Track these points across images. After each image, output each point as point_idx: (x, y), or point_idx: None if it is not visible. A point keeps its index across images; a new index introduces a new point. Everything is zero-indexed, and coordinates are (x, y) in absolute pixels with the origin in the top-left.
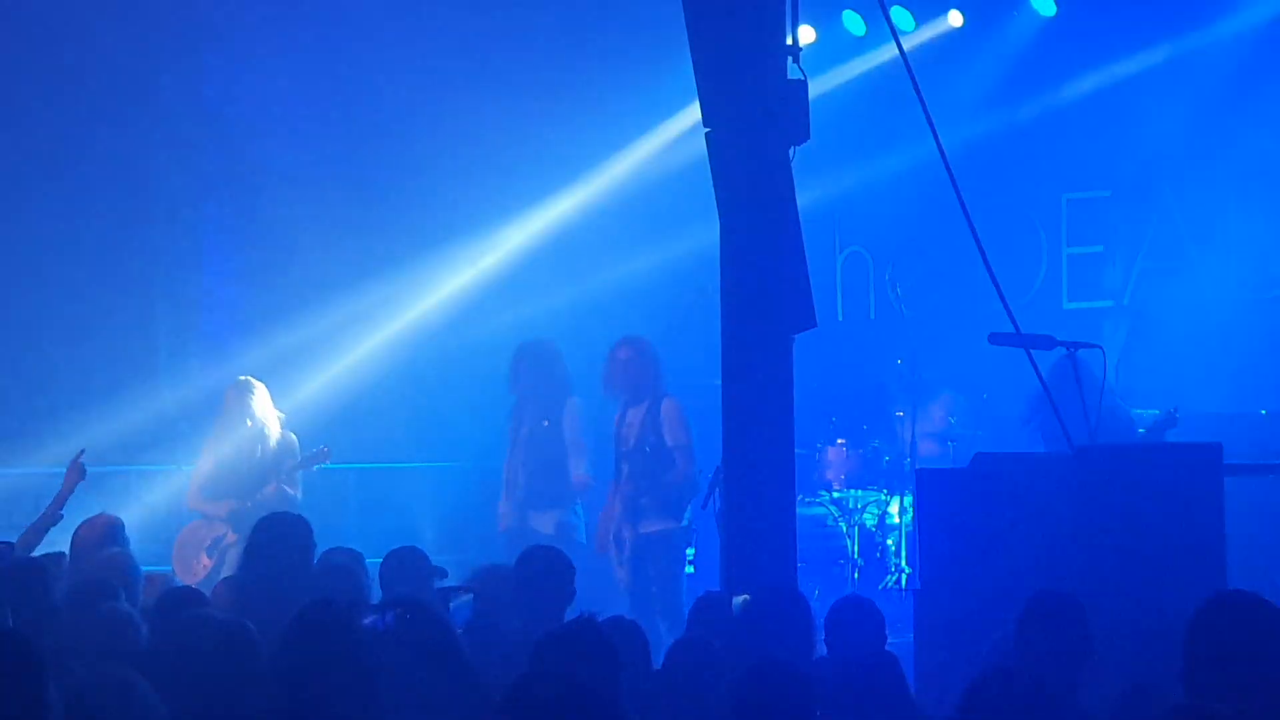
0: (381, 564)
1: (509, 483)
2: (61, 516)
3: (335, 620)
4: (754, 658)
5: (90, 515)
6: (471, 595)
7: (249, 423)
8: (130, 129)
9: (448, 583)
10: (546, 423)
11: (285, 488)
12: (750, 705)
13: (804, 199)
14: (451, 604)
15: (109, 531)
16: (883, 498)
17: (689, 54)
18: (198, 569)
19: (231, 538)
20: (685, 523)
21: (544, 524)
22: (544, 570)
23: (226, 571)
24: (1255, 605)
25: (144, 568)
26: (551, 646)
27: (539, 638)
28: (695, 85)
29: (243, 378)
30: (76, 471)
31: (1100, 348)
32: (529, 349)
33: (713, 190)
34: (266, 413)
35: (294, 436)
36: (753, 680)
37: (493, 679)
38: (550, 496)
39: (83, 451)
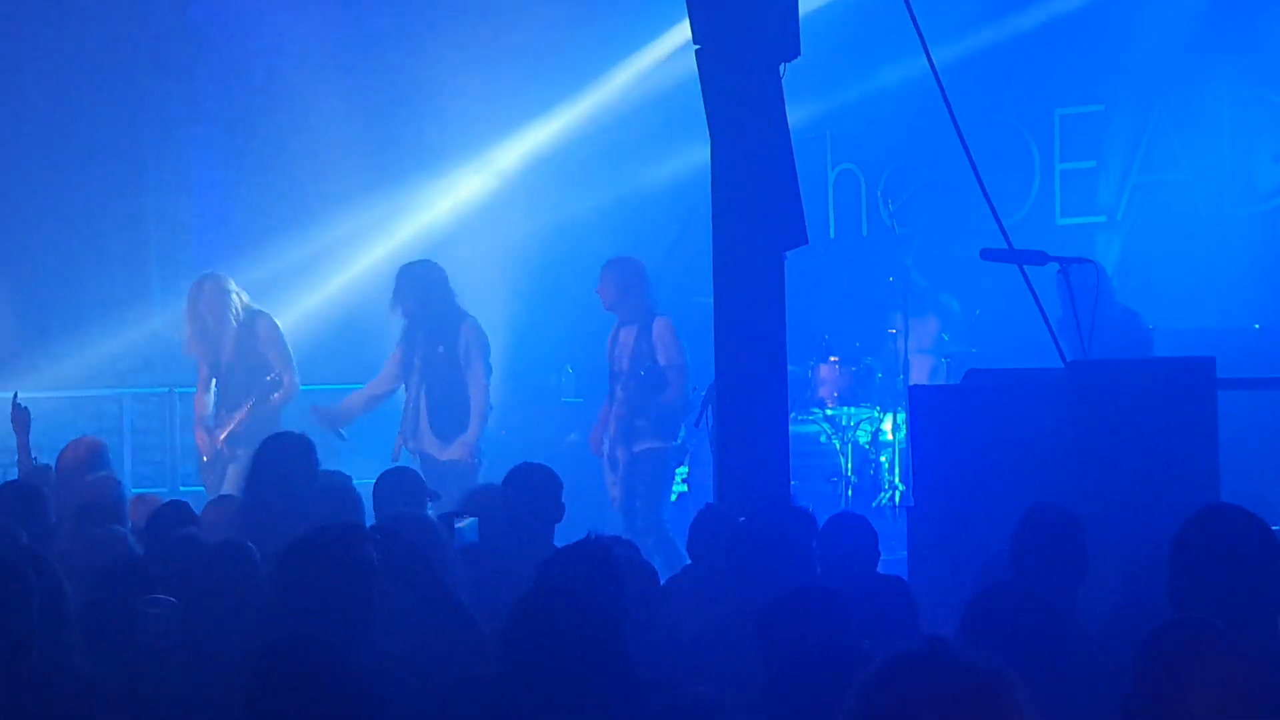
0: (375, 485)
1: (405, 414)
2: (35, 460)
3: (349, 542)
4: (769, 580)
5: (76, 438)
6: (475, 520)
7: (213, 318)
8: (119, 51)
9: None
10: (441, 349)
11: (282, 378)
12: (783, 631)
13: (795, 116)
14: (458, 525)
15: (92, 454)
16: (876, 415)
17: None
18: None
19: (226, 451)
20: (679, 441)
21: (452, 454)
22: (532, 487)
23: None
24: (1240, 517)
25: (135, 490)
26: (555, 565)
27: (544, 557)
28: (685, 1)
29: (204, 274)
30: (22, 415)
31: (1093, 263)
32: (408, 272)
33: (703, 108)
34: (233, 304)
35: (274, 320)
36: (786, 606)
37: (486, 598)
38: (454, 426)
39: (16, 394)
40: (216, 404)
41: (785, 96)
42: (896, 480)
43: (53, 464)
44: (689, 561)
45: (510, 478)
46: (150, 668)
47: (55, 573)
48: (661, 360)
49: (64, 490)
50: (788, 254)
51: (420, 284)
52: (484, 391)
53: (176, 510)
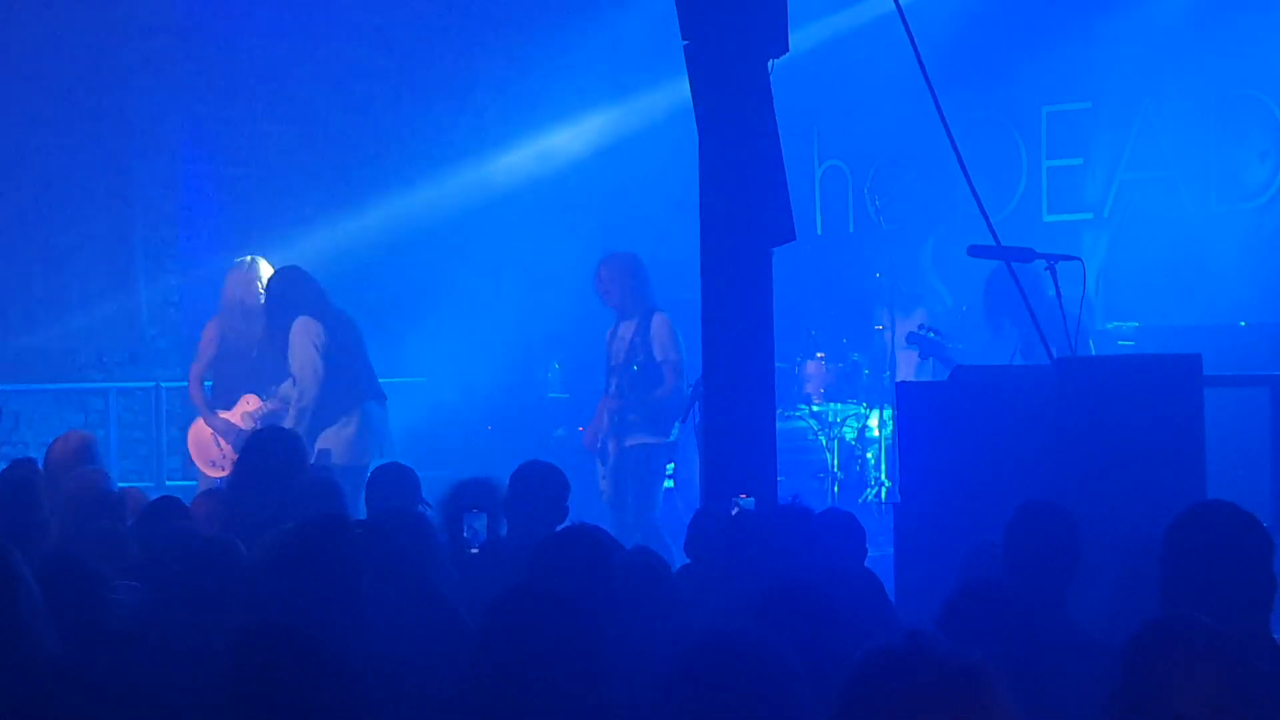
0: (369, 480)
1: None
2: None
3: (335, 535)
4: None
5: (63, 432)
6: (485, 516)
7: (248, 303)
8: (105, 44)
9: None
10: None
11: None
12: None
13: (782, 112)
14: (476, 526)
15: (82, 449)
16: (862, 411)
17: None
18: (220, 459)
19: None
20: (671, 438)
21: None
22: (537, 485)
23: None
24: (1231, 514)
25: (120, 484)
26: (548, 551)
27: (537, 543)
28: None
29: (247, 257)
30: None
31: (1080, 260)
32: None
33: (691, 104)
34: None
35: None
36: (771, 603)
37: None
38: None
39: None
40: (216, 392)
41: (773, 92)
42: (883, 476)
43: (40, 458)
44: (681, 559)
45: (516, 475)
46: (124, 654)
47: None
48: (658, 356)
49: (53, 484)
50: (775, 250)
51: (268, 296)
52: (296, 404)
53: (169, 506)
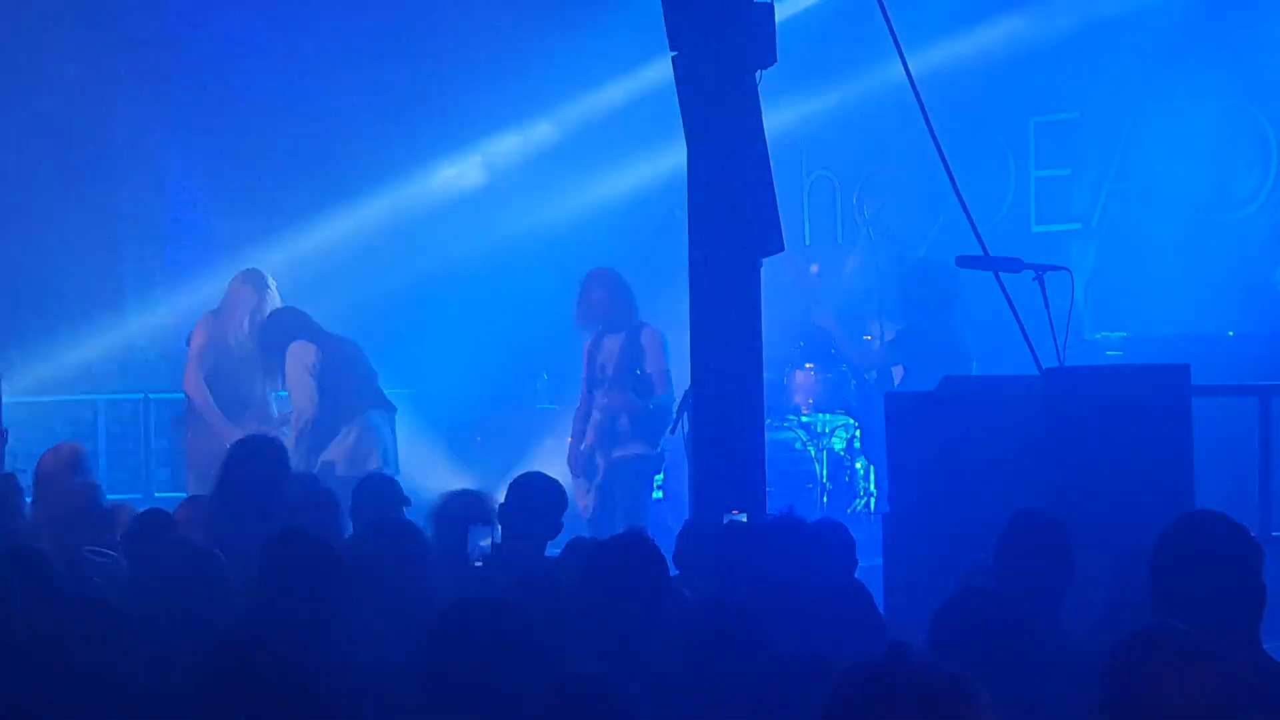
0: (354, 491)
1: None
2: (6, 431)
3: (313, 547)
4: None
5: (54, 444)
6: (490, 530)
7: (249, 316)
8: (93, 56)
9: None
10: None
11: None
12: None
13: (770, 123)
14: (482, 543)
15: (73, 460)
16: (851, 422)
17: None
18: None
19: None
20: (658, 449)
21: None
22: (536, 498)
23: None
24: (1221, 524)
25: (110, 496)
26: (607, 558)
27: (593, 549)
28: (661, 7)
29: (251, 268)
30: None
31: (1068, 270)
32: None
33: (680, 114)
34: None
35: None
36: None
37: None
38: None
39: None
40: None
41: (761, 103)
42: (871, 487)
43: (30, 470)
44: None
45: (516, 487)
46: (111, 663)
47: None
48: (648, 367)
49: (44, 496)
50: (763, 260)
51: (262, 337)
52: (295, 425)
53: (156, 519)
